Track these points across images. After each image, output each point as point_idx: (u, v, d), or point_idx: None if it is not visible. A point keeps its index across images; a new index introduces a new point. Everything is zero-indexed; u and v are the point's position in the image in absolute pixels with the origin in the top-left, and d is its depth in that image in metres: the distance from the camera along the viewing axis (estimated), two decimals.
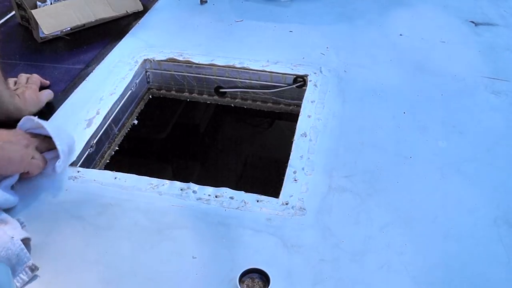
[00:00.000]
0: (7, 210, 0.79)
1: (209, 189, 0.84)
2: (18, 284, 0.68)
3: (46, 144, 0.85)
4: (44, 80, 1.11)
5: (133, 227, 0.78)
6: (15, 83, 1.06)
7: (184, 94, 1.24)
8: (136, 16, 1.37)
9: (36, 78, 1.08)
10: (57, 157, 0.84)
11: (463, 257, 0.74)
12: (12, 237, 0.70)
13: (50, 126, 0.84)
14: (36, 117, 0.85)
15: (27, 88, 1.01)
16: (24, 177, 0.83)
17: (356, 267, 0.72)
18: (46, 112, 1.01)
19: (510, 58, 1.17)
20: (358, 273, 0.71)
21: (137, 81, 1.15)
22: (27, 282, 0.69)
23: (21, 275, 0.69)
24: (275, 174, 0.97)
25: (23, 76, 1.08)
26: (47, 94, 1.04)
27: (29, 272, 0.70)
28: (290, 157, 0.89)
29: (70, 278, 0.71)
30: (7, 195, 0.78)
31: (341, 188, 0.84)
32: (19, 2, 1.29)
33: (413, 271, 0.72)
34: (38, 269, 0.71)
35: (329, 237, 0.76)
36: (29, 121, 0.85)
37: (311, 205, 0.81)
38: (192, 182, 0.86)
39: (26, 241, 0.72)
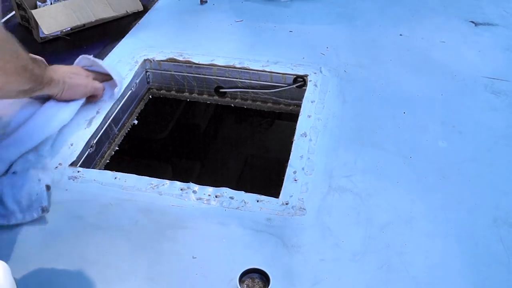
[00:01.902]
0: None
1: (209, 189, 0.84)
2: (27, 218, 0.79)
3: (100, 77, 1.03)
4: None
5: (133, 227, 0.78)
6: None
7: (184, 94, 1.24)
8: (136, 16, 1.37)
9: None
10: (111, 87, 1.03)
11: (463, 257, 0.74)
12: (39, 180, 0.82)
13: (103, 63, 1.02)
14: (92, 56, 1.03)
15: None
16: (90, 101, 1.00)
17: (356, 267, 0.72)
18: None
19: (510, 58, 1.17)
20: (358, 273, 0.71)
21: (137, 81, 1.15)
22: (35, 220, 0.79)
23: (34, 212, 0.79)
24: (275, 174, 0.97)
25: None
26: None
27: (40, 212, 0.79)
28: (290, 157, 0.89)
29: (70, 278, 0.71)
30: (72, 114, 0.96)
31: (341, 188, 0.84)
32: (19, 2, 1.29)
33: (413, 271, 0.72)
34: (48, 211, 0.80)
35: (329, 237, 0.76)
36: (85, 59, 1.03)
37: (311, 205, 0.81)
38: (192, 182, 0.86)
39: (48, 188, 0.83)
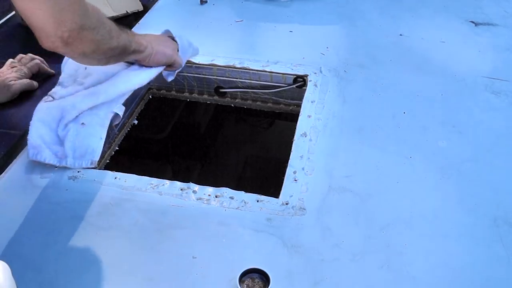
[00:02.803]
0: None
1: (209, 189, 0.84)
2: (76, 165, 0.87)
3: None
4: (47, 69, 1.13)
5: (133, 227, 0.78)
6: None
7: (184, 94, 1.24)
8: (136, 16, 1.37)
9: (33, 64, 1.11)
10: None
11: (463, 257, 0.74)
12: (101, 138, 0.91)
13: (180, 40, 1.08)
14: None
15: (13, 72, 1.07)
16: (168, 70, 1.06)
17: (356, 267, 0.72)
18: None
19: (510, 58, 1.17)
20: (358, 273, 0.71)
21: None
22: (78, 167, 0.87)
23: (83, 162, 0.88)
24: (275, 174, 0.97)
25: (25, 58, 1.12)
26: (24, 85, 1.06)
27: (89, 164, 0.88)
28: (290, 157, 0.89)
29: (70, 277, 0.71)
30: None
31: (341, 188, 0.84)
32: None
33: (413, 271, 0.72)
34: (97, 166, 0.89)
35: (329, 237, 0.76)
36: (169, 32, 1.08)
37: (311, 205, 0.81)
38: (192, 182, 0.86)
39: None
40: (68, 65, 1.02)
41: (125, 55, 0.91)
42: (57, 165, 0.87)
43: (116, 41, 0.85)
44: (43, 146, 0.87)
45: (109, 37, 0.83)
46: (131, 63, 1.01)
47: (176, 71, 1.09)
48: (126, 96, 0.99)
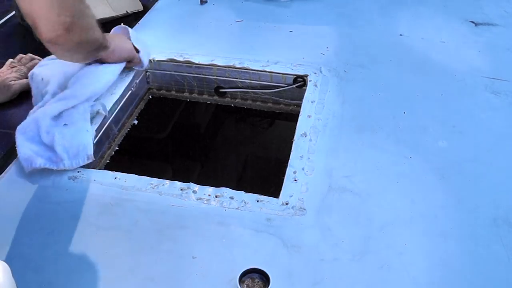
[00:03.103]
0: None
1: (209, 189, 0.84)
2: (74, 165, 0.88)
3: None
4: None
5: (133, 227, 0.78)
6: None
7: (184, 94, 1.24)
8: (136, 16, 1.37)
9: (33, 64, 1.11)
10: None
11: (463, 257, 0.74)
12: (87, 131, 0.92)
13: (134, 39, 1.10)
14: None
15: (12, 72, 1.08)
16: (128, 66, 1.09)
17: (356, 267, 0.72)
18: None
19: (510, 58, 1.17)
20: (358, 273, 0.71)
21: (137, 81, 1.15)
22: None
23: (80, 160, 0.88)
24: (275, 174, 0.97)
25: (25, 58, 1.13)
26: (24, 85, 1.07)
27: (86, 160, 0.89)
28: (290, 157, 0.89)
29: (70, 278, 0.71)
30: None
31: (341, 188, 0.84)
32: None
33: (413, 271, 0.72)
34: (93, 159, 0.90)
35: (329, 237, 0.76)
36: (122, 29, 1.11)
37: (311, 205, 0.81)
38: (192, 182, 0.86)
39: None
40: (33, 89, 1.02)
41: (100, 50, 0.93)
42: (55, 168, 0.87)
43: (99, 32, 0.88)
44: (34, 156, 0.87)
45: (95, 25, 0.86)
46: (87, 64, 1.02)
47: (145, 60, 1.12)
48: (97, 96, 1.00)
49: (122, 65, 1.06)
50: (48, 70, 1.02)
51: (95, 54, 0.95)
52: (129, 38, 1.09)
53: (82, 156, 0.88)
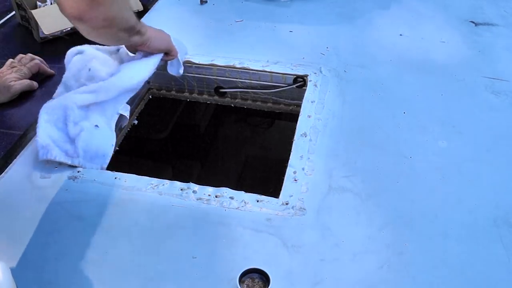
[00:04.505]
0: None
1: (209, 189, 0.84)
2: (87, 166, 0.88)
3: None
4: (47, 69, 1.14)
5: (133, 227, 0.78)
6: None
7: (184, 94, 1.24)
8: (136, 16, 1.37)
9: (33, 64, 1.11)
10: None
11: (463, 257, 0.74)
12: (112, 145, 0.93)
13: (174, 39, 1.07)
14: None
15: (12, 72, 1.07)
16: (166, 58, 1.06)
17: (356, 267, 0.72)
18: None
19: (510, 58, 1.17)
20: (358, 273, 0.71)
21: None
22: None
23: (94, 165, 0.89)
24: (275, 174, 0.97)
25: (25, 58, 1.13)
26: (24, 85, 1.07)
27: (99, 168, 0.90)
28: (290, 157, 0.89)
29: (70, 278, 0.71)
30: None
31: (341, 188, 0.84)
32: (19, 2, 1.29)
33: (413, 271, 0.72)
34: (104, 169, 0.90)
35: (329, 237, 0.76)
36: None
37: (311, 205, 0.81)
38: (192, 182, 0.86)
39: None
40: (72, 65, 1.01)
41: (132, 34, 0.90)
42: (69, 163, 0.87)
43: (129, 13, 0.86)
44: (52, 145, 0.87)
45: (125, 6, 0.84)
46: (130, 56, 1.02)
47: (182, 62, 1.10)
48: (130, 94, 0.98)
49: (158, 59, 1.02)
50: (99, 65, 1.00)
51: (128, 39, 0.91)
52: None
53: (97, 163, 0.89)
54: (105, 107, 0.94)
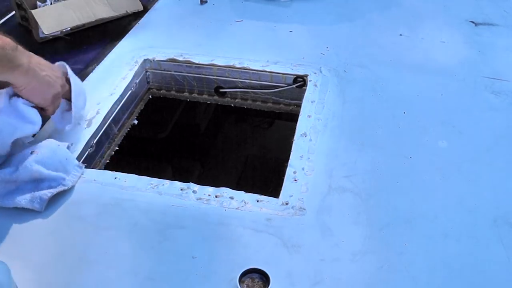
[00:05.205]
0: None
1: (209, 189, 0.84)
2: (73, 180, 0.84)
3: (68, 95, 0.91)
4: None
5: (133, 227, 0.78)
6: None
7: (184, 94, 1.24)
8: (136, 16, 1.37)
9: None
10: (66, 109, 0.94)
11: (463, 257, 0.74)
12: (58, 145, 0.86)
13: (74, 84, 0.92)
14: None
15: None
16: (40, 112, 0.86)
17: (356, 267, 0.72)
18: None
19: (510, 58, 1.17)
20: (358, 273, 0.71)
21: (137, 81, 1.15)
22: (78, 178, 0.85)
23: (74, 172, 0.85)
24: (275, 174, 0.97)
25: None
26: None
27: (83, 167, 0.86)
28: (290, 157, 0.89)
29: (70, 277, 0.71)
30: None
31: (341, 188, 0.84)
32: (19, 2, 1.29)
33: (413, 271, 0.72)
34: (84, 166, 0.87)
35: (329, 237, 0.76)
36: (64, 67, 0.92)
37: (311, 205, 0.81)
38: (192, 182, 0.86)
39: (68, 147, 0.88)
40: None
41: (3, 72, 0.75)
42: (66, 188, 0.82)
43: None
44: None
45: None
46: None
47: (73, 120, 0.92)
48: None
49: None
50: None
51: None
52: (65, 74, 0.90)
53: (73, 166, 0.85)
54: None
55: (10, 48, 0.76)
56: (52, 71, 0.86)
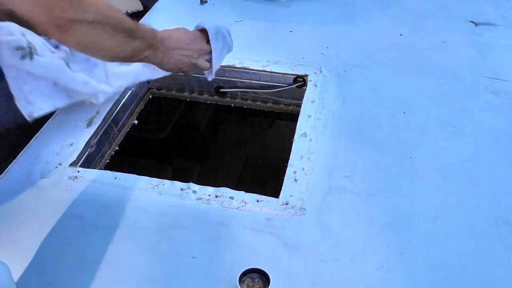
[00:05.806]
0: None
1: (209, 189, 0.84)
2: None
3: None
4: None
5: (133, 227, 0.78)
6: None
7: (184, 94, 1.24)
8: (136, 16, 1.37)
9: None
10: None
11: (463, 257, 0.74)
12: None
13: (215, 51, 0.90)
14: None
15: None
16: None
17: (356, 267, 0.72)
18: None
19: (510, 58, 1.17)
20: (358, 273, 0.71)
21: None
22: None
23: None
24: (275, 174, 0.97)
25: None
26: None
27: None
28: (290, 157, 0.89)
29: (70, 277, 0.71)
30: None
31: (341, 188, 0.84)
32: None
33: (413, 271, 0.72)
34: None
35: (329, 237, 0.76)
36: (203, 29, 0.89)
37: (311, 205, 0.81)
38: (192, 182, 0.86)
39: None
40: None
41: (133, 59, 0.79)
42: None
43: (121, 43, 0.72)
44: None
45: (112, 36, 0.71)
46: None
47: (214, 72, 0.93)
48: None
49: (165, 73, 0.93)
50: None
51: (130, 61, 0.82)
52: (207, 40, 0.89)
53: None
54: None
55: (149, 36, 0.78)
56: (187, 48, 0.85)
